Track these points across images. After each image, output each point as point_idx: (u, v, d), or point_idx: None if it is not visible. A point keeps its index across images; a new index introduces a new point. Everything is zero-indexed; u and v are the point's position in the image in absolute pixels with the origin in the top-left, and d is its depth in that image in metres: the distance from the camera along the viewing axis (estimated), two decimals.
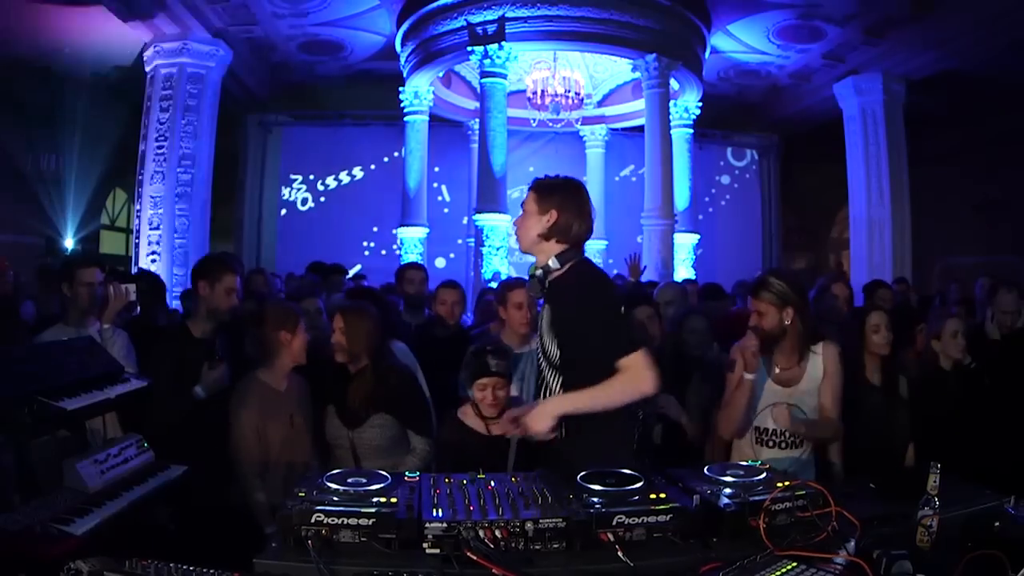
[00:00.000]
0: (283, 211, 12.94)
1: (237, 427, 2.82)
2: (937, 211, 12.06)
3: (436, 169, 12.14)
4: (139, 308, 3.70)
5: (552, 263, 2.24)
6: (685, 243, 10.53)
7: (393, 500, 1.64)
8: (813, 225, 15.71)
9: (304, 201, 12.92)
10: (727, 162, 14.04)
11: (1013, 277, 4.38)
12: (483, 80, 9.01)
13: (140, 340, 3.29)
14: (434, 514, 1.58)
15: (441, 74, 10.54)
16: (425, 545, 1.54)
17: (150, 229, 9.39)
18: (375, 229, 12.64)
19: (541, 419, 2.08)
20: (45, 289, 4.35)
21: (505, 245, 9.16)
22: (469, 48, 8.83)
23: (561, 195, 2.25)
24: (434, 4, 8.85)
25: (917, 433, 3.14)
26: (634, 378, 2.11)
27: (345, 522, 1.56)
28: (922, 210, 11.19)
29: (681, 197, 10.58)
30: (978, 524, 1.76)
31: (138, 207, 9.57)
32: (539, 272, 2.27)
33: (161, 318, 4.25)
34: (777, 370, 2.77)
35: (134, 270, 9.51)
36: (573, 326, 2.21)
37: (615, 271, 11.80)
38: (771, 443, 2.76)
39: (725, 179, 14.02)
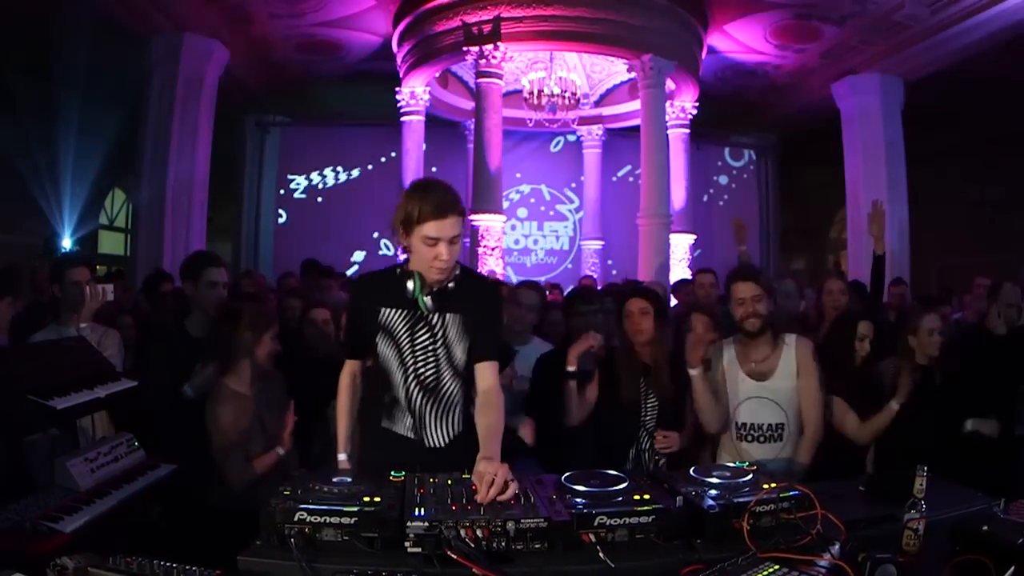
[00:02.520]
0: (280, 211, 12.97)
1: (217, 436, 2.75)
2: (935, 211, 12.07)
3: (434, 169, 12.16)
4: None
5: (457, 271, 2.18)
6: (681, 243, 10.56)
7: (377, 499, 1.64)
8: (811, 226, 15.72)
9: (301, 201, 12.94)
10: (725, 162, 14.07)
11: (1012, 277, 4.40)
12: (479, 80, 9.04)
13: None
14: (416, 513, 1.58)
15: (438, 74, 10.56)
16: (407, 544, 1.54)
17: (148, 230, 9.41)
18: (375, 232, 12.68)
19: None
20: (16, 288, 4.28)
21: (501, 245, 9.18)
22: (464, 48, 8.84)
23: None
24: (430, 4, 8.86)
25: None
26: (501, 395, 2.18)
27: (328, 520, 1.57)
28: (920, 211, 11.20)
29: (677, 197, 10.61)
30: (967, 528, 1.75)
31: (137, 207, 9.60)
32: (449, 285, 2.15)
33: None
34: (752, 364, 2.81)
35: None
36: (488, 327, 2.25)
37: (614, 272, 11.87)
38: (750, 437, 2.80)
39: (723, 179, 14.04)
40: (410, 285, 2.13)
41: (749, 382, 2.79)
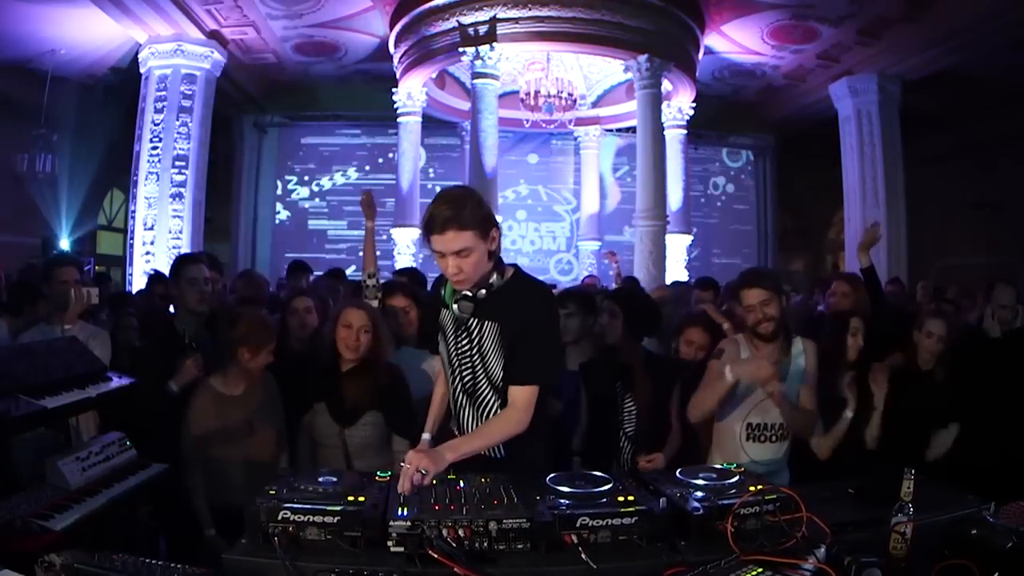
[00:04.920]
0: (278, 211, 12.98)
1: (184, 431, 2.80)
2: (933, 212, 12.07)
3: (431, 170, 12.20)
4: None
5: (495, 279, 2.10)
6: (678, 244, 10.56)
7: (361, 499, 1.65)
8: (810, 226, 15.71)
9: (299, 202, 12.95)
10: (722, 163, 14.06)
11: (1010, 278, 4.39)
12: (474, 81, 9.04)
13: None
14: (399, 513, 1.59)
15: (434, 75, 10.56)
16: (389, 543, 1.55)
17: (145, 230, 9.42)
18: None
19: (440, 463, 1.84)
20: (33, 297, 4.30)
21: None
22: (461, 49, 8.84)
23: (487, 212, 2.04)
24: (426, 5, 8.86)
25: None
26: (521, 417, 2.05)
27: (311, 520, 1.58)
28: (918, 211, 11.20)
29: (674, 198, 10.62)
30: (955, 531, 1.75)
31: (133, 208, 9.61)
32: (480, 292, 2.08)
33: None
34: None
35: (128, 270, 9.57)
36: (525, 340, 2.08)
37: (611, 272, 11.84)
38: (762, 438, 2.75)
39: (720, 180, 14.04)
40: (443, 290, 2.17)
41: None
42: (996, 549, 1.64)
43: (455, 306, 2.12)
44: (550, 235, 13.32)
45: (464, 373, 2.21)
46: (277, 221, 13.00)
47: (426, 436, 2.36)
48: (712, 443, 2.88)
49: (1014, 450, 3.22)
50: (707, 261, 12.75)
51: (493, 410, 2.17)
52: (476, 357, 2.16)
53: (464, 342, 2.18)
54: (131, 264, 9.52)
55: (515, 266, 2.20)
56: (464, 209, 1.97)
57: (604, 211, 13.04)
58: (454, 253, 1.98)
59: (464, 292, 2.09)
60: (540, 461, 2.12)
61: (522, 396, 2.07)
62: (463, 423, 2.24)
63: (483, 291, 2.09)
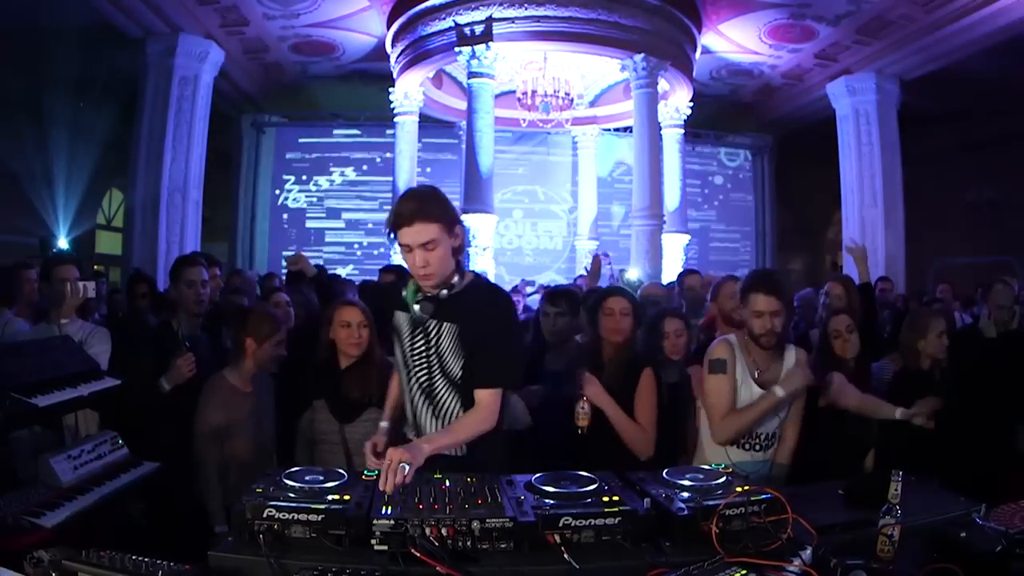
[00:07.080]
0: (276, 211, 12.98)
1: (198, 425, 2.81)
2: (931, 212, 12.07)
3: (428, 170, 12.22)
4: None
5: (456, 280, 2.12)
6: (675, 244, 10.55)
7: (346, 497, 1.65)
8: (808, 226, 15.71)
9: (296, 201, 12.97)
10: (720, 162, 14.08)
11: (1008, 279, 4.37)
12: (470, 81, 9.06)
13: None
14: (382, 511, 1.59)
15: (431, 75, 10.59)
16: (373, 542, 1.55)
17: (143, 229, 9.43)
18: (370, 228, 12.72)
19: (419, 456, 1.87)
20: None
21: (492, 245, 9.20)
22: (457, 49, 8.87)
23: (452, 208, 2.08)
24: (423, 5, 8.90)
25: (884, 437, 3.13)
26: (487, 417, 2.08)
27: (296, 518, 1.58)
28: (916, 211, 11.21)
29: (671, 197, 10.63)
30: (945, 534, 1.73)
31: (131, 207, 9.62)
32: (442, 293, 2.10)
33: None
34: (757, 372, 2.69)
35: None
36: (486, 343, 2.10)
37: (605, 271, 11.83)
38: (747, 446, 2.69)
39: (718, 179, 14.05)
40: (404, 291, 2.18)
41: (758, 391, 2.66)
42: (984, 552, 1.62)
43: (416, 307, 2.13)
44: (547, 234, 13.33)
45: (420, 374, 2.20)
46: (274, 221, 13.01)
47: (384, 424, 2.39)
48: (694, 445, 2.85)
49: (1009, 450, 3.22)
50: (705, 261, 12.75)
51: (452, 407, 2.18)
52: (433, 358, 2.17)
53: (420, 343, 2.18)
54: (130, 263, 9.52)
55: (473, 272, 2.25)
56: (430, 203, 2.03)
57: (601, 211, 13.05)
58: (421, 246, 2.01)
59: (426, 293, 2.11)
60: (499, 460, 2.12)
61: (488, 397, 2.10)
62: (421, 423, 2.23)
63: (444, 291, 2.11)
